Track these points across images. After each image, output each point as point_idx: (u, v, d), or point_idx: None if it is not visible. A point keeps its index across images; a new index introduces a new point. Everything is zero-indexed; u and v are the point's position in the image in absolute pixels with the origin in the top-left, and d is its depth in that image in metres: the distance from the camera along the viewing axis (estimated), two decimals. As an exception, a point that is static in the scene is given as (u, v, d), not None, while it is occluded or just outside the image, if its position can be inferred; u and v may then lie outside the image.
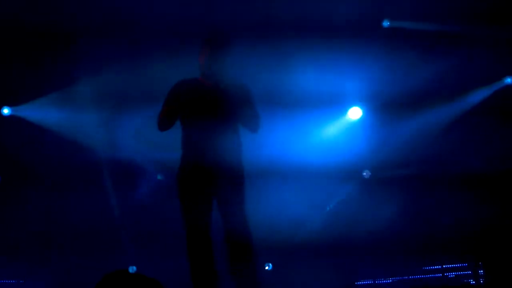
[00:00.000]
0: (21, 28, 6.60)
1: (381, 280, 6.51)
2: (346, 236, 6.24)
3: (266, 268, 6.44)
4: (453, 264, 6.46)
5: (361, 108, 6.91)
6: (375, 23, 6.90)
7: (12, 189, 6.71)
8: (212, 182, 4.34)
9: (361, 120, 6.88)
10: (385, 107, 6.79)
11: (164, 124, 4.39)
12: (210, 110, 4.36)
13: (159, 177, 6.86)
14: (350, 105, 6.92)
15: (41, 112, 6.83)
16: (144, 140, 6.68)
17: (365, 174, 6.88)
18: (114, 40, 6.63)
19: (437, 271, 6.57)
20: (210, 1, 6.74)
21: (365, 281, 6.60)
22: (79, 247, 6.52)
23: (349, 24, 6.60)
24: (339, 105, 6.84)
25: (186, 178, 4.37)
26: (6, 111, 6.89)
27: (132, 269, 6.44)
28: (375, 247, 6.39)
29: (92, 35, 6.55)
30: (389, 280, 6.53)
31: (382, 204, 6.55)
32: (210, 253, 4.42)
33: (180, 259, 4.78)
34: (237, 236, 4.33)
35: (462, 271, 6.46)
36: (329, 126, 6.85)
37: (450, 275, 6.50)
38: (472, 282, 6.22)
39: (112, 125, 6.81)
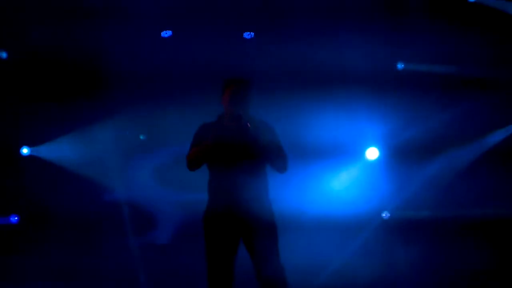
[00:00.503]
0: (39, 69, 6.72)
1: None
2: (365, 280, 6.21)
3: None
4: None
5: (378, 149, 6.92)
6: (389, 66, 7.00)
7: (31, 229, 6.71)
8: (240, 226, 4.35)
9: (379, 161, 6.88)
10: (403, 149, 6.82)
11: (194, 165, 4.42)
12: (237, 152, 4.38)
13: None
14: (368, 146, 6.94)
15: (60, 152, 6.88)
16: (163, 180, 6.72)
17: (384, 215, 6.86)
18: (134, 82, 6.73)
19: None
20: (227, 47, 6.87)
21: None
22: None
23: (364, 68, 6.69)
24: (356, 148, 6.86)
25: (212, 220, 4.38)
26: (25, 151, 6.93)
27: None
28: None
29: (113, 78, 6.66)
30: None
31: (401, 247, 6.53)
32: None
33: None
34: (273, 283, 4.32)
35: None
36: (347, 168, 6.85)
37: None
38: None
39: (131, 165, 6.85)
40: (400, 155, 6.86)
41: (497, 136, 6.89)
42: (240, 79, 4.56)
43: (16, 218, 6.82)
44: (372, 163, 6.91)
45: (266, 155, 4.39)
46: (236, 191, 4.36)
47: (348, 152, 6.82)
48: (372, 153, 6.92)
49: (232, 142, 4.39)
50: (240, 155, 4.37)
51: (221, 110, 4.58)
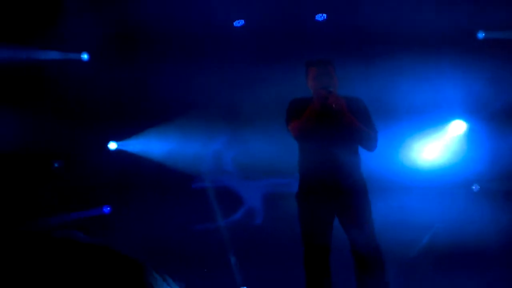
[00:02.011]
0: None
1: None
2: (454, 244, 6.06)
3: None
4: None
5: (465, 121, 6.73)
6: (470, 35, 6.80)
7: (121, 220, 6.89)
8: (335, 201, 4.34)
9: (466, 133, 6.69)
10: (489, 119, 6.60)
11: (303, 128, 4.40)
12: (330, 132, 4.38)
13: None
14: (453, 119, 6.76)
15: (147, 145, 7.04)
16: (244, 166, 6.77)
17: (474, 188, 6.66)
18: (213, 71, 6.82)
19: None
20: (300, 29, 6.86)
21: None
22: (189, 270, 6.60)
23: (446, 35, 6.53)
24: (441, 119, 6.70)
25: (307, 197, 4.39)
26: (113, 145, 7.12)
27: (243, 288, 6.45)
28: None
29: (192, 64, 6.78)
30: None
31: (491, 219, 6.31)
32: (328, 273, 4.40)
33: (295, 279, 4.77)
34: (367, 251, 4.30)
35: None
36: (433, 140, 6.70)
37: None
38: None
39: (216, 153, 6.93)
40: (488, 127, 6.66)
41: None
42: (321, 59, 4.58)
43: (108, 208, 7.01)
44: (459, 136, 6.72)
45: (354, 133, 4.37)
46: (329, 167, 4.36)
47: (434, 125, 6.67)
48: (459, 126, 6.74)
49: (322, 119, 4.39)
50: (330, 133, 4.37)
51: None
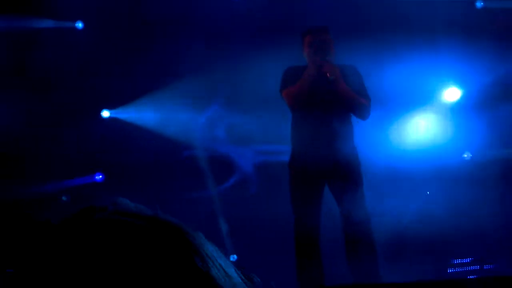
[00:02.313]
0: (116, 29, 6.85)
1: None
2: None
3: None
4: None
5: (459, 88, 6.67)
6: (468, 4, 6.73)
7: (115, 188, 6.91)
8: (326, 171, 4.33)
9: (459, 101, 6.64)
10: (484, 88, 6.55)
11: (297, 96, 4.38)
12: (323, 100, 4.35)
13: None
14: (446, 86, 6.71)
15: (140, 113, 7.03)
16: (237, 135, 6.76)
17: (466, 156, 6.63)
18: (208, 38, 6.76)
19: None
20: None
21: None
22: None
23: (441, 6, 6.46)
24: (436, 88, 6.64)
25: (299, 166, 4.38)
26: (106, 113, 7.11)
27: (233, 257, 6.46)
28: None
29: (187, 33, 6.73)
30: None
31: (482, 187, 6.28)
32: (317, 242, 4.41)
33: (285, 249, 4.77)
34: (359, 228, 4.31)
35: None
36: (425, 110, 6.65)
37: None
38: None
39: (209, 121, 6.92)
40: (482, 96, 6.61)
41: None
42: (317, 27, 4.54)
43: (100, 176, 7.02)
44: (453, 104, 6.67)
45: (346, 102, 4.35)
46: (322, 135, 4.35)
47: (428, 93, 6.62)
48: (453, 94, 6.68)
49: (316, 88, 4.37)
50: (324, 102, 4.35)
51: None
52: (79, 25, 7.12)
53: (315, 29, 4.58)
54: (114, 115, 7.11)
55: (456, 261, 6.02)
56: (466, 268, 6.00)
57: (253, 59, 6.60)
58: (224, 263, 0.89)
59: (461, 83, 6.63)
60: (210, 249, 0.89)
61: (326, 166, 4.39)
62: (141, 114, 7.01)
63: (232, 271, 0.91)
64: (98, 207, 0.90)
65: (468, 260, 6.02)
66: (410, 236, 5.92)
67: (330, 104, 4.42)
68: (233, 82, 6.96)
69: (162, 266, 0.82)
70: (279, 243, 5.27)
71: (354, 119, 4.59)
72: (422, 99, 6.57)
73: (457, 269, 5.95)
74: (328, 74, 4.32)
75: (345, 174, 4.37)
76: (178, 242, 0.84)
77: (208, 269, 0.84)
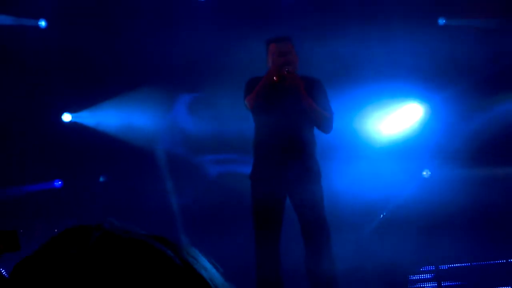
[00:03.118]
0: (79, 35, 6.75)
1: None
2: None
3: None
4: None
5: (421, 104, 6.77)
6: (431, 21, 6.84)
7: (73, 193, 6.81)
8: (287, 183, 4.34)
9: (422, 117, 6.74)
10: (445, 105, 6.67)
11: (254, 100, 4.36)
12: (284, 109, 4.35)
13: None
14: (408, 102, 6.80)
15: (101, 118, 6.93)
16: (201, 143, 6.73)
17: (425, 173, 6.73)
18: (171, 46, 6.71)
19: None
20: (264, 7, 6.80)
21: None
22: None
23: (405, 20, 6.55)
24: (397, 101, 6.73)
25: (260, 178, 4.37)
26: (67, 117, 7.00)
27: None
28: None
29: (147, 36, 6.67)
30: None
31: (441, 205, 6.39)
32: (278, 252, 4.41)
33: (245, 259, 4.78)
34: (315, 231, 4.32)
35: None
36: (387, 123, 6.73)
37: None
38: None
39: (171, 129, 6.87)
40: (442, 112, 6.73)
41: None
42: (281, 37, 4.53)
43: (59, 182, 6.93)
44: (414, 119, 6.77)
45: (309, 114, 4.36)
46: (283, 147, 4.34)
47: (389, 108, 6.70)
48: (415, 110, 6.78)
49: (278, 99, 4.36)
50: (286, 112, 4.35)
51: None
52: (42, 23, 6.97)
53: (279, 38, 4.58)
54: (75, 120, 6.99)
55: (413, 277, 6.12)
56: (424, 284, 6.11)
57: (220, 63, 6.60)
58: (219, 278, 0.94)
59: (423, 100, 6.73)
60: (207, 265, 0.93)
61: (287, 178, 4.40)
62: (103, 118, 6.92)
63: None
64: (94, 226, 0.93)
65: (426, 276, 6.12)
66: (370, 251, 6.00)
67: (292, 114, 4.43)
68: (199, 87, 6.95)
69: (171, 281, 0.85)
70: (238, 254, 5.27)
71: (316, 132, 4.61)
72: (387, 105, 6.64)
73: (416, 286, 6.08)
74: (290, 84, 4.33)
75: (305, 186, 4.39)
76: (182, 258, 0.89)
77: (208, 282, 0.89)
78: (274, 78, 4.30)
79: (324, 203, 4.47)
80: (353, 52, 6.37)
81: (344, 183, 6.06)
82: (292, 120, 4.42)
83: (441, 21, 6.92)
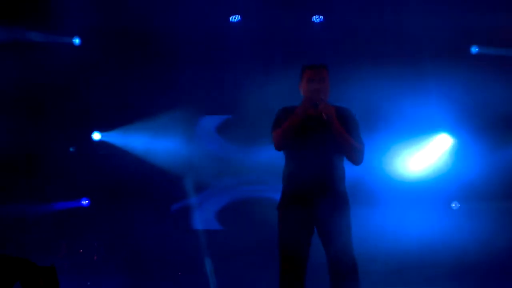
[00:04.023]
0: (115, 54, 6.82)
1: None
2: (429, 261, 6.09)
3: None
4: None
5: (451, 135, 6.70)
6: (464, 49, 6.78)
7: (100, 211, 6.86)
8: (316, 214, 4.29)
9: (452, 147, 6.67)
10: (476, 134, 6.59)
11: (283, 141, 4.33)
12: (316, 140, 4.31)
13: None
14: (440, 132, 6.74)
15: (129, 138, 6.98)
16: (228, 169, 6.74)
17: (454, 205, 6.64)
18: (203, 68, 6.75)
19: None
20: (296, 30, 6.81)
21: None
22: (162, 270, 6.60)
23: (438, 48, 6.50)
24: (427, 131, 6.68)
25: (288, 207, 4.33)
26: (97, 136, 7.06)
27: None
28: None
29: (182, 65, 6.71)
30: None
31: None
32: (303, 286, 4.35)
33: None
34: (343, 265, 4.24)
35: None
36: (419, 152, 6.68)
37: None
38: None
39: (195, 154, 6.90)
40: (473, 141, 6.64)
41: None
42: (318, 65, 4.49)
43: (87, 201, 6.96)
44: (445, 150, 6.70)
45: (341, 144, 4.30)
46: (313, 177, 4.29)
47: (421, 136, 6.65)
48: (445, 140, 6.70)
49: (310, 130, 4.32)
50: (317, 142, 4.30)
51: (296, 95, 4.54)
52: (76, 40, 7.04)
53: (315, 65, 4.55)
54: (104, 139, 7.05)
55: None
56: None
57: (248, 90, 6.62)
58: None
59: (454, 130, 6.66)
60: None
61: (314, 209, 4.35)
62: (131, 139, 6.96)
63: None
64: None
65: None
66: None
67: (323, 145, 4.39)
68: (229, 113, 6.98)
69: None
70: (262, 283, 5.25)
71: (346, 163, 4.56)
72: (418, 140, 6.58)
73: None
74: (323, 113, 4.29)
75: (333, 220, 4.33)
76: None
77: None
78: (303, 112, 4.24)
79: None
80: (382, 82, 6.34)
81: (371, 219, 6.02)
82: (323, 151, 4.37)
83: (474, 50, 6.82)
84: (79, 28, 6.97)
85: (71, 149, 6.83)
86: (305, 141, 4.32)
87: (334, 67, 4.66)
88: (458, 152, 6.70)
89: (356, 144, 4.35)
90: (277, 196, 4.45)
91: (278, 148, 4.38)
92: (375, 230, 6.07)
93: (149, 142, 6.90)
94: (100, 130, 7.07)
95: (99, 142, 7.05)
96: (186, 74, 6.83)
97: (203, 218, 6.73)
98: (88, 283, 6.44)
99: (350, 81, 6.24)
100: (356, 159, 4.37)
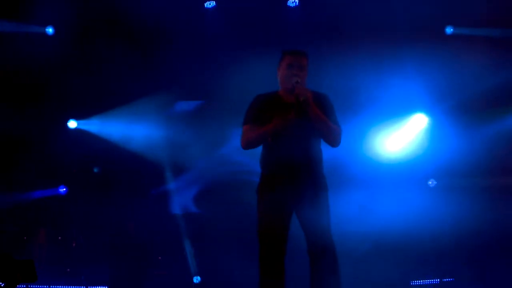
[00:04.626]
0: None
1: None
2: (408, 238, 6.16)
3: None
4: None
5: (426, 115, 6.75)
6: (439, 29, 6.82)
7: (78, 199, 6.83)
8: (294, 193, 4.31)
9: (427, 127, 6.73)
10: (451, 113, 6.65)
11: (252, 145, 4.39)
12: (293, 124, 4.32)
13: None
14: (415, 112, 6.79)
15: (107, 126, 6.95)
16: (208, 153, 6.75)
17: (430, 183, 6.71)
18: (178, 55, 6.72)
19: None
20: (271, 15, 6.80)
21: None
22: (142, 255, 6.59)
23: (412, 29, 6.53)
24: (403, 111, 6.73)
25: (267, 191, 4.34)
26: (73, 124, 7.01)
27: (197, 279, 6.45)
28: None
29: (158, 52, 6.68)
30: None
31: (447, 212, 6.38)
32: (282, 268, 4.38)
33: (249, 270, 4.77)
34: (321, 247, 4.27)
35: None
36: (393, 132, 6.73)
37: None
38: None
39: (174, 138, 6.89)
40: (449, 121, 6.71)
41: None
42: (299, 52, 4.50)
43: (64, 189, 6.93)
44: (421, 129, 6.76)
45: (317, 127, 4.32)
46: (292, 162, 4.31)
47: (396, 117, 6.70)
48: (420, 120, 6.76)
49: (288, 115, 4.33)
50: (294, 126, 4.32)
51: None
52: (50, 30, 6.97)
53: (296, 51, 4.56)
54: (81, 127, 7.00)
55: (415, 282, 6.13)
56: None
57: (224, 74, 6.61)
58: None
59: (429, 109, 6.71)
60: None
61: (293, 192, 4.37)
62: (107, 127, 6.93)
63: None
64: None
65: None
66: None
67: (301, 128, 4.40)
68: (203, 96, 6.96)
69: None
70: (242, 265, 5.26)
71: (323, 146, 4.57)
72: (393, 121, 6.62)
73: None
74: (299, 97, 4.30)
75: (312, 202, 4.35)
76: None
77: None
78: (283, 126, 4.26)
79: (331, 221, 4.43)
80: (359, 65, 6.37)
81: (350, 200, 6.06)
82: (301, 135, 4.39)
83: (449, 30, 6.86)
84: (53, 17, 6.89)
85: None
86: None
87: (310, 50, 4.66)
88: (434, 132, 6.76)
89: (333, 126, 4.37)
90: (256, 179, 4.46)
91: (245, 148, 4.39)
92: (353, 211, 6.11)
93: (126, 128, 6.88)
94: (76, 118, 7.01)
95: (75, 130, 6.99)
96: (162, 60, 6.80)
97: (182, 203, 6.73)
98: (68, 270, 6.44)
99: (326, 64, 6.26)
100: (333, 141, 4.40)
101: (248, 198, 4.87)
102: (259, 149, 4.46)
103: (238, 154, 6.41)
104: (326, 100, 4.51)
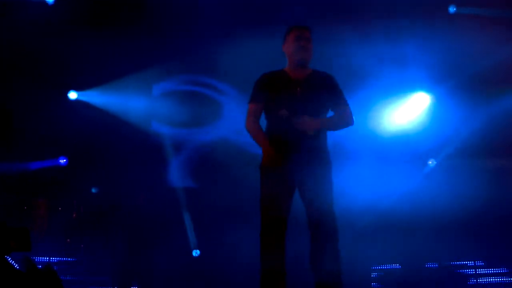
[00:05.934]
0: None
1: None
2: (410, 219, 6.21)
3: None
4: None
5: (428, 93, 6.76)
6: (442, 8, 6.79)
7: (78, 170, 6.84)
8: (298, 169, 4.32)
9: (429, 106, 6.74)
10: (454, 92, 6.66)
11: (250, 135, 4.44)
12: (299, 105, 4.33)
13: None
14: (417, 90, 6.79)
15: (105, 98, 6.94)
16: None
17: (430, 162, 6.74)
18: (180, 28, 6.69)
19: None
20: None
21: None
22: (140, 227, 6.63)
23: (416, 8, 6.51)
24: (404, 90, 6.73)
25: (269, 166, 4.36)
26: (73, 95, 6.99)
27: (196, 252, 6.49)
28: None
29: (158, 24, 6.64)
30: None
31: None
32: (283, 243, 4.40)
33: (249, 245, 4.80)
34: (323, 223, 4.30)
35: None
36: (395, 111, 6.74)
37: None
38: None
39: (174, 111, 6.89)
40: (451, 101, 6.71)
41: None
42: (304, 26, 4.49)
43: (64, 160, 6.93)
44: (422, 108, 6.77)
45: (325, 107, 4.36)
46: (296, 138, 4.32)
47: (399, 94, 6.70)
48: (422, 99, 6.76)
49: (293, 94, 4.33)
50: (300, 107, 4.33)
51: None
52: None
53: (301, 27, 4.55)
54: (81, 98, 6.99)
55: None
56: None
57: (227, 50, 6.58)
58: None
59: (431, 88, 6.71)
60: None
61: (297, 167, 4.39)
62: (108, 98, 6.92)
63: None
64: None
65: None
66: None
67: (307, 110, 4.41)
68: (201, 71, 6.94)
69: None
70: (243, 240, 5.29)
71: None
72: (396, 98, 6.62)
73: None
74: (308, 132, 4.32)
75: (315, 176, 4.37)
76: None
77: None
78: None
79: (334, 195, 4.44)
80: (359, 44, 6.35)
81: (354, 175, 6.08)
82: (305, 111, 4.39)
83: (452, 9, 6.84)
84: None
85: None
86: (288, 102, 4.34)
87: (312, 28, 4.65)
88: (435, 111, 6.77)
89: (340, 117, 4.39)
90: (260, 152, 4.47)
91: (247, 131, 4.44)
92: (355, 187, 6.14)
93: (126, 100, 6.87)
94: (76, 89, 6.98)
95: (76, 101, 6.96)
96: (163, 33, 6.76)
97: (182, 175, 6.74)
98: (68, 240, 6.47)
99: (328, 42, 6.23)
100: (346, 127, 4.45)
101: (251, 171, 4.89)
102: (263, 123, 4.47)
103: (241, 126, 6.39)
104: (332, 80, 4.52)
